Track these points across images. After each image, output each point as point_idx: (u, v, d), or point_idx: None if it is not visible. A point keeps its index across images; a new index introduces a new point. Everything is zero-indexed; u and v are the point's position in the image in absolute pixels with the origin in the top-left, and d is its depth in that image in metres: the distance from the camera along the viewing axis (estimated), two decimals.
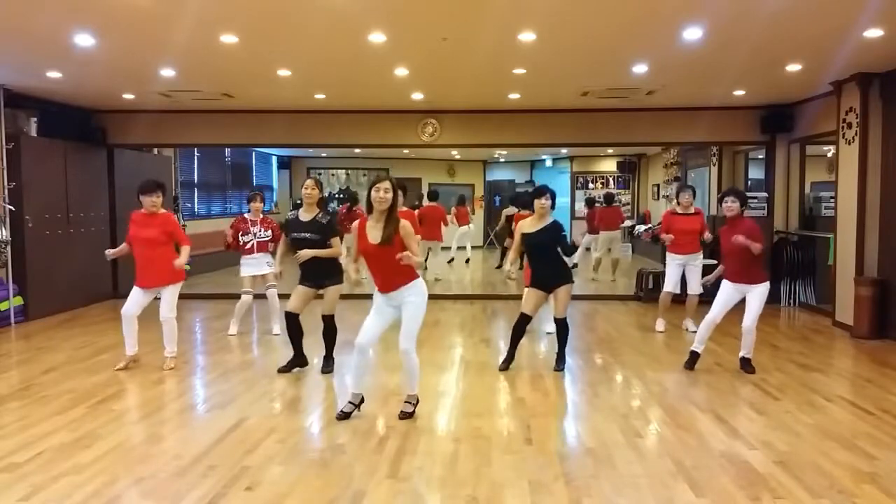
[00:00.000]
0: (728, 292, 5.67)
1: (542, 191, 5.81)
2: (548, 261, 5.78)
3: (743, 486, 3.54)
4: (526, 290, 5.93)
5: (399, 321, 4.51)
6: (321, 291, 5.66)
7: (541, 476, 3.66)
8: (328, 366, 5.82)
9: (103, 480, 3.59)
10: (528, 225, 5.81)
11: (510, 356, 5.97)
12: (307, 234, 5.52)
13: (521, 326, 5.91)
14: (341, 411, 4.59)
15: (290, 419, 4.65)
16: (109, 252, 6.04)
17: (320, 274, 5.58)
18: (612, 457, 3.93)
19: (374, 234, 4.39)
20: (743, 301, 5.70)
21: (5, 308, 7.90)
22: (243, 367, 6.07)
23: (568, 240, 5.94)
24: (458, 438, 4.24)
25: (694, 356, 5.86)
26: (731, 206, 5.62)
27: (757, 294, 5.61)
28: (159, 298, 5.88)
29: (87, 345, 6.93)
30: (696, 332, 7.42)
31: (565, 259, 5.90)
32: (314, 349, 6.05)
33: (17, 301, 8.10)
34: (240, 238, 7.13)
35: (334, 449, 4.08)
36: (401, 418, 4.55)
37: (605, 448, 4.07)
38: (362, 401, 4.68)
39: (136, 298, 5.83)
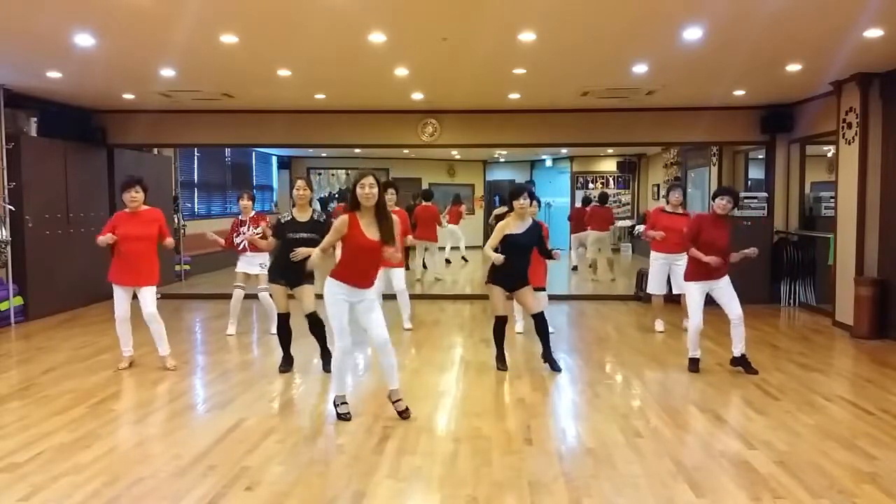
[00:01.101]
0: (700, 293, 5.67)
1: (520, 190, 5.69)
2: (524, 263, 5.73)
3: (743, 486, 3.54)
4: (493, 287, 5.78)
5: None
6: (294, 290, 5.67)
7: (541, 476, 3.66)
8: (329, 363, 5.81)
9: (103, 480, 3.59)
10: (512, 225, 5.69)
11: (503, 355, 5.95)
12: (307, 234, 5.52)
13: (502, 329, 5.90)
14: (345, 415, 4.55)
15: (290, 419, 4.65)
16: (103, 239, 5.65)
17: (299, 272, 5.46)
18: (612, 457, 3.93)
19: (373, 231, 4.35)
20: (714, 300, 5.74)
21: (5, 308, 7.90)
22: (243, 367, 6.07)
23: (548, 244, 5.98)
24: (458, 438, 4.23)
25: (695, 361, 5.85)
26: (725, 205, 5.64)
27: (728, 284, 5.65)
28: (135, 298, 5.86)
29: (87, 345, 6.93)
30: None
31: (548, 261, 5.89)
32: (310, 350, 6.05)
33: (17, 301, 8.10)
34: (234, 240, 7.17)
35: (334, 449, 4.08)
36: (405, 418, 4.53)
37: (605, 448, 4.07)
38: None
39: (124, 299, 5.82)
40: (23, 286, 8.19)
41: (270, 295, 7.20)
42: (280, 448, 4.07)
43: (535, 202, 5.94)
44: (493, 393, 5.30)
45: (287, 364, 5.84)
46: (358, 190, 4.30)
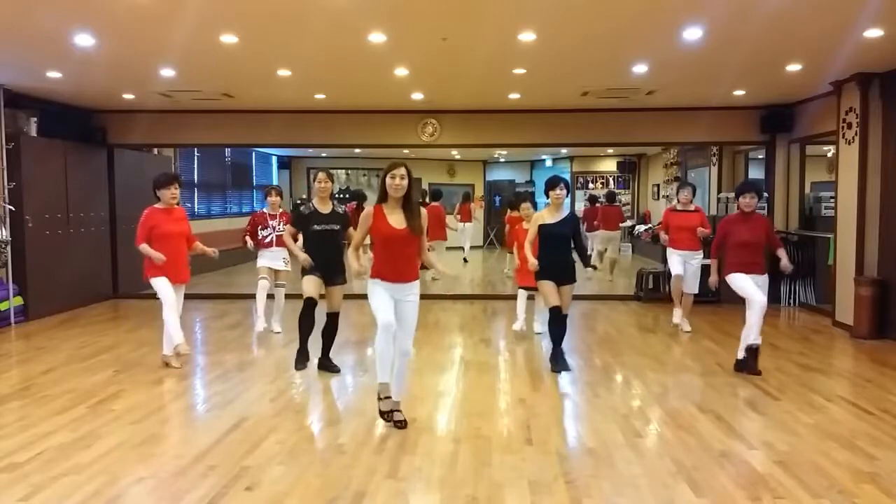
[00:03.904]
0: (745, 279, 5.55)
1: (556, 181, 5.74)
2: (564, 253, 5.70)
3: (743, 486, 3.54)
4: (543, 283, 5.73)
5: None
6: (326, 288, 5.64)
7: (541, 476, 3.66)
8: (331, 364, 5.83)
9: (103, 480, 3.59)
10: (546, 216, 5.73)
11: (560, 353, 5.83)
12: (331, 226, 5.57)
13: (560, 320, 5.76)
14: (391, 418, 4.32)
15: (290, 419, 4.65)
16: (160, 256, 5.64)
17: (336, 269, 5.57)
18: (612, 457, 3.93)
19: (398, 219, 4.23)
20: (741, 300, 5.68)
21: (5, 308, 7.90)
22: (243, 367, 6.07)
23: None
24: (458, 438, 4.23)
25: (754, 352, 5.65)
26: (750, 202, 5.60)
27: (765, 283, 5.62)
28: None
29: (87, 345, 6.93)
30: (689, 332, 7.39)
31: (579, 260, 5.81)
32: (314, 351, 6.05)
33: (17, 301, 8.10)
34: (259, 232, 7.18)
35: (334, 449, 4.08)
36: (402, 428, 4.38)
37: (605, 448, 4.07)
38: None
39: (171, 286, 5.75)
40: (23, 286, 8.18)
41: (266, 290, 7.30)
42: (280, 448, 4.07)
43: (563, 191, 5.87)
44: (493, 393, 5.30)
45: (303, 357, 5.78)
46: (388, 180, 4.20)
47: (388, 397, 4.36)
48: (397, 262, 4.28)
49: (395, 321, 4.25)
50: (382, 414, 4.37)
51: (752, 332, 5.61)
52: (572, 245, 5.83)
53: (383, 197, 4.27)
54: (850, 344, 7.05)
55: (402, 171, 4.21)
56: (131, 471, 3.73)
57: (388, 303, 4.25)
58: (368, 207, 4.30)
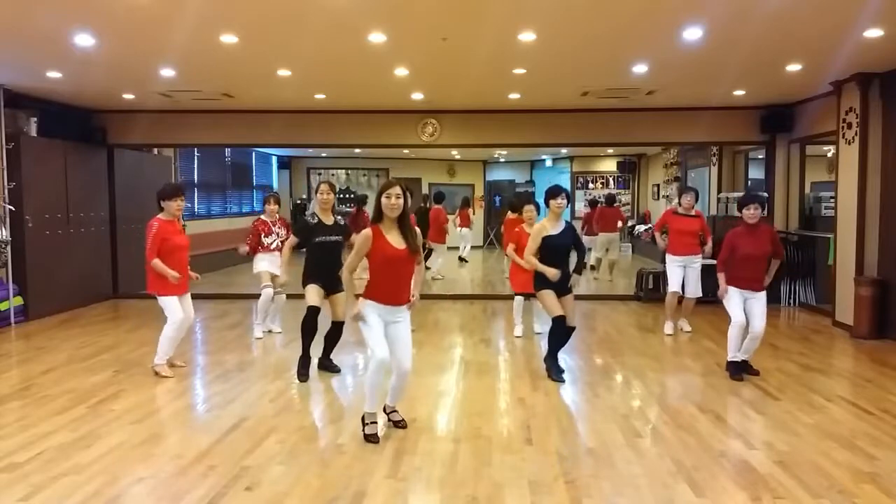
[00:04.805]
0: (738, 295, 5.55)
1: (558, 190, 5.63)
2: (566, 263, 5.62)
3: (743, 486, 3.54)
4: (544, 293, 5.58)
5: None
6: (328, 297, 5.63)
7: (541, 476, 3.66)
8: (331, 364, 5.84)
9: (103, 480, 3.60)
10: (549, 227, 5.59)
11: (557, 363, 5.74)
12: (334, 237, 5.65)
13: (562, 329, 5.63)
14: (372, 436, 4.21)
15: (290, 419, 4.65)
16: (175, 275, 5.63)
17: (337, 278, 5.54)
18: (612, 457, 3.93)
19: (396, 239, 4.13)
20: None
21: (5, 308, 7.90)
22: (243, 367, 6.07)
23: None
24: (458, 438, 4.24)
25: (738, 365, 5.67)
26: (753, 213, 5.54)
27: (763, 299, 5.58)
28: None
29: (87, 345, 6.93)
30: (689, 332, 7.43)
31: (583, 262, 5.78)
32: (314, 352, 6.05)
33: (17, 301, 8.10)
34: (263, 240, 7.13)
35: (334, 449, 4.08)
36: (402, 428, 4.41)
37: (605, 448, 4.07)
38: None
39: (180, 303, 5.74)
40: (23, 286, 8.18)
41: (270, 298, 7.28)
42: (280, 448, 4.07)
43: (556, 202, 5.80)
44: (493, 393, 5.30)
45: (305, 368, 5.66)
46: (383, 200, 4.10)
47: (374, 423, 4.25)
48: (397, 282, 4.17)
49: (390, 347, 4.16)
50: (367, 437, 4.21)
51: (731, 347, 5.62)
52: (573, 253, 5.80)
53: (378, 216, 4.15)
54: (850, 344, 7.05)
55: (398, 190, 4.11)
56: (131, 471, 3.73)
57: (382, 331, 4.14)
58: (366, 230, 4.15)
